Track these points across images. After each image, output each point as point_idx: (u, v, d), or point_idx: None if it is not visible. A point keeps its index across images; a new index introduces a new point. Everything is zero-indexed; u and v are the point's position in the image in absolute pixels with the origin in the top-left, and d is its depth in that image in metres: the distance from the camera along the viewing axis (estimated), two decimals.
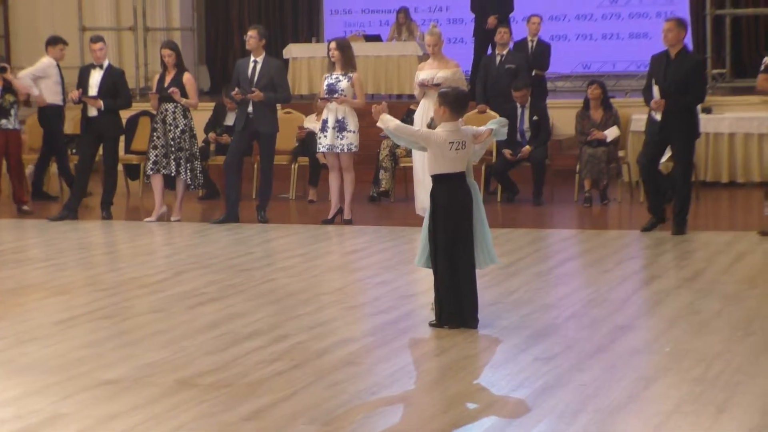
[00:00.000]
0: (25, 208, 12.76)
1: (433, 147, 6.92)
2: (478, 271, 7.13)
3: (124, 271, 9.29)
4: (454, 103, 6.92)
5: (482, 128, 7.13)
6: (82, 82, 12.24)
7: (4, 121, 12.55)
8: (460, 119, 7.00)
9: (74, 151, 13.82)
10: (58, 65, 13.67)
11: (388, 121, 7.06)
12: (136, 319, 7.57)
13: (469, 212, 6.95)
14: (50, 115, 13.55)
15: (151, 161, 12.01)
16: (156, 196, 12.12)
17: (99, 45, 12.21)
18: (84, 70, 12.48)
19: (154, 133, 12.03)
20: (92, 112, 12.18)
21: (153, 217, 12.07)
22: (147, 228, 11.77)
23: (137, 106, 14.17)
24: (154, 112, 12.28)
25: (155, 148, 11.97)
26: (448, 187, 6.94)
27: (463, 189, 6.96)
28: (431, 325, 7.07)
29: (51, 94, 13.54)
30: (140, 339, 7.00)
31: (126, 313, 7.77)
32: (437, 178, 6.98)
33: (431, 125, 7.14)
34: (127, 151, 14.23)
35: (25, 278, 9.04)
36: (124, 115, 13.24)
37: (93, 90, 12.15)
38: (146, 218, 12.11)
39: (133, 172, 14.47)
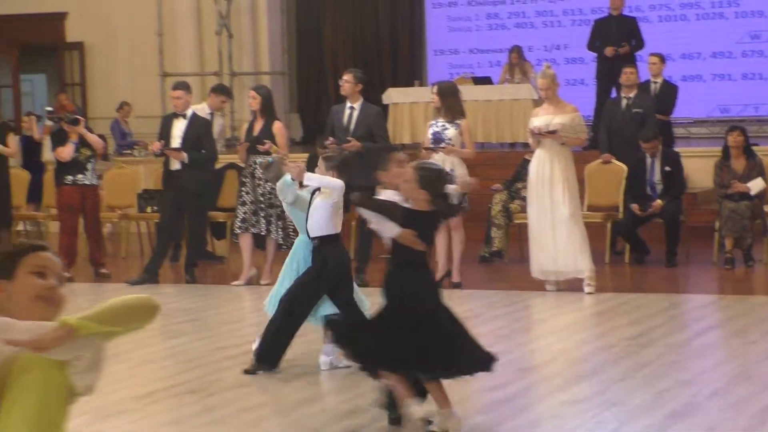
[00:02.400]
0: (103, 271, 12.99)
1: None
2: None
3: (210, 341, 9.39)
4: (340, 166, 7.93)
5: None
6: (164, 133, 12.44)
7: (80, 176, 12.80)
8: None
9: (155, 208, 14.07)
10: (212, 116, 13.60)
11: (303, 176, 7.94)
12: (224, 394, 7.63)
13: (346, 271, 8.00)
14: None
15: (239, 219, 12.15)
16: (244, 257, 12.25)
17: (178, 93, 12.37)
18: (166, 119, 12.71)
19: (243, 188, 12.19)
20: (175, 165, 12.36)
21: (241, 280, 12.20)
22: (235, 292, 11.89)
23: (224, 159, 14.38)
24: (243, 165, 12.44)
25: (243, 204, 12.12)
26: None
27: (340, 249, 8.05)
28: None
29: None
30: (227, 416, 7.06)
31: (212, 387, 7.84)
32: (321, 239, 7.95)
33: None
34: (213, 208, 14.42)
35: (112, 346, 9.16)
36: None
37: (176, 141, 12.35)
38: (234, 282, 12.24)
39: (219, 230, 14.65)
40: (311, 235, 8.02)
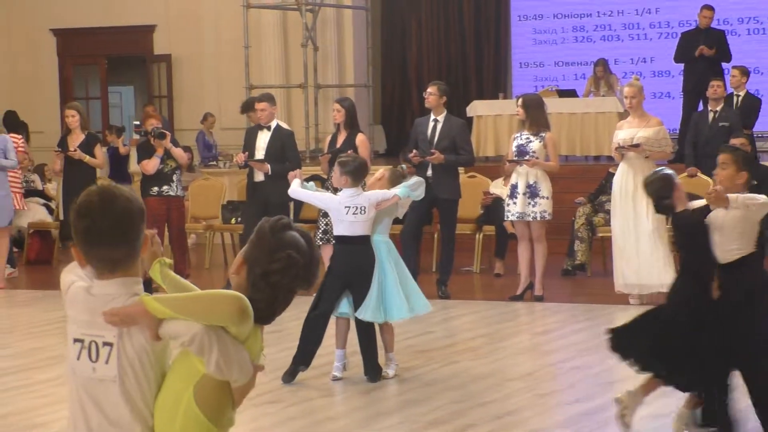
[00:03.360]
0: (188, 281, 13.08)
1: (331, 210, 8.28)
2: None
3: (292, 352, 9.41)
4: (354, 172, 8.19)
5: (389, 194, 8.13)
6: (249, 145, 12.54)
7: (165, 188, 12.94)
8: (359, 186, 8.18)
9: (239, 219, 14.18)
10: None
11: (293, 183, 8.45)
12: (304, 404, 7.67)
13: (366, 275, 8.08)
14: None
15: (321, 230, 12.20)
16: (326, 267, 12.26)
17: (262, 105, 12.45)
18: (251, 131, 12.80)
19: None
20: (259, 176, 12.44)
21: None
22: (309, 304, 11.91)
23: (307, 170, 14.45)
24: (325, 177, 12.50)
25: (326, 215, 12.17)
26: (345, 248, 8.18)
27: (363, 253, 8.13)
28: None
29: None
30: (308, 426, 7.09)
31: (293, 397, 7.88)
32: (337, 239, 8.31)
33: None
34: (296, 219, 14.48)
35: None
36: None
37: (260, 153, 12.43)
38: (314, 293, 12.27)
39: None
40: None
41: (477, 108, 17.35)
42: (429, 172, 11.80)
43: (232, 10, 18.60)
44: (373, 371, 8.20)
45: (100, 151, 13.49)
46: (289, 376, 8.24)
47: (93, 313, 3.15)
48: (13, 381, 8.06)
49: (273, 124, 12.56)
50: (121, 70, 21.61)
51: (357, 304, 8.17)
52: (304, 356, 8.30)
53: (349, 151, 11.89)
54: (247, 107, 13.64)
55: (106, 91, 20.68)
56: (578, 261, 13.24)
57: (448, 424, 6.92)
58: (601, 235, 13.13)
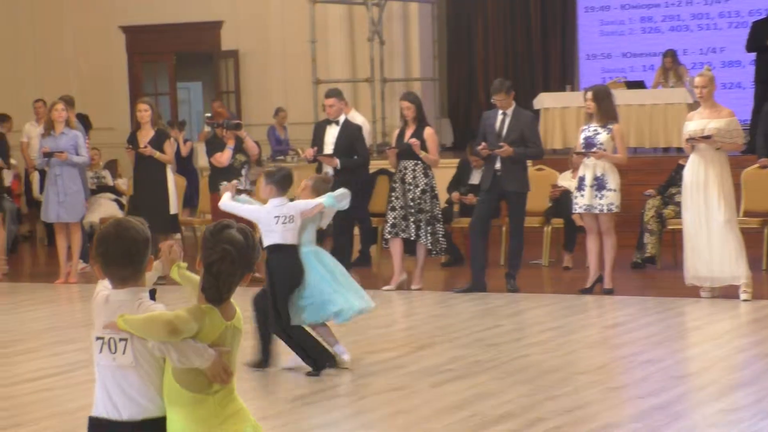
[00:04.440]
0: (257, 275, 13.15)
1: (260, 222, 8.39)
2: None
3: (360, 345, 9.45)
4: (280, 182, 8.37)
5: (313, 202, 8.35)
6: (317, 139, 12.59)
7: (235, 182, 13.00)
8: (285, 196, 8.41)
9: None
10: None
11: (224, 197, 8.55)
12: (375, 397, 7.69)
13: (296, 280, 8.29)
14: None
15: (389, 224, 12.22)
16: (395, 262, 12.31)
17: (331, 101, 12.49)
18: (319, 126, 12.85)
19: (393, 194, 12.26)
20: (327, 171, 12.49)
21: (392, 285, 12.26)
22: (385, 297, 11.95)
23: (375, 164, 14.49)
24: (393, 170, 12.52)
25: (393, 209, 12.19)
26: (278, 257, 8.33)
27: (297, 259, 8.31)
28: (309, 375, 8.21)
29: None
30: (379, 419, 7.11)
31: (363, 390, 7.91)
32: (269, 249, 8.36)
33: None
34: (364, 213, 14.50)
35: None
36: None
37: (329, 147, 12.48)
38: (384, 286, 12.31)
39: (370, 236, 14.74)
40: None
41: (544, 101, 17.27)
42: (497, 165, 11.78)
43: (299, 5, 18.66)
44: (315, 364, 8.33)
45: (170, 147, 13.60)
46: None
47: (110, 316, 4.00)
48: (84, 375, 8.14)
49: (342, 119, 12.61)
50: (189, 66, 21.75)
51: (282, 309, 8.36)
52: (323, 357, 8.37)
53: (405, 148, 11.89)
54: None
55: (174, 87, 20.83)
56: (648, 254, 13.14)
57: (518, 418, 6.90)
58: (671, 227, 13.01)
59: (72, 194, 13.34)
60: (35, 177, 16.51)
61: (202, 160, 16.34)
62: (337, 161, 12.36)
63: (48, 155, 13.26)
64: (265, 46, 19.63)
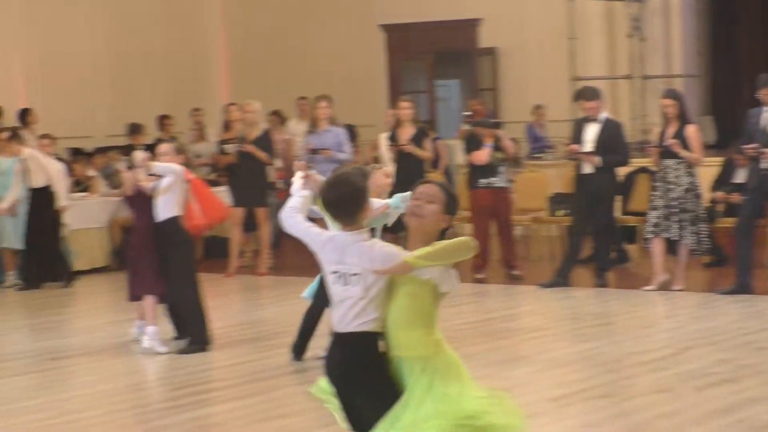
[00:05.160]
0: (515, 272, 13.18)
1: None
2: None
3: (622, 345, 9.34)
4: None
5: (380, 202, 8.04)
6: (577, 137, 12.48)
7: (493, 179, 13.04)
8: None
9: (566, 211, 14.14)
10: None
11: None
12: (638, 399, 7.58)
13: None
14: None
15: (650, 224, 12.02)
16: (656, 262, 12.09)
17: (592, 104, 12.33)
18: (578, 123, 12.74)
19: (655, 193, 12.05)
20: (586, 169, 12.38)
21: (653, 285, 12.05)
22: (646, 297, 11.76)
23: (635, 163, 14.26)
24: (655, 169, 12.30)
25: (655, 209, 11.98)
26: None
27: None
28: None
29: None
30: (642, 422, 7.01)
31: (626, 392, 7.81)
32: None
33: None
34: (624, 211, 14.33)
35: (518, 349, 9.33)
36: (621, 172, 13.36)
37: (588, 145, 12.36)
38: (645, 287, 12.11)
39: (630, 235, 14.55)
40: None
41: None
42: (764, 164, 11.42)
43: (558, 1, 18.55)
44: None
45: (430, 144, 13.76)
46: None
47: (342, 254, 4.93)
48: None
49: (602, 116, 12.48)
50: (447, 64, 21.91)
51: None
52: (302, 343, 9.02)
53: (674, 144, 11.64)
54: (580, 96, 13.57)
55: (432, 85, 21.03)
56: None
57: None
58: None
59: None
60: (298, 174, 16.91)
61: (460, 158, 16.44)
62: (597, 159, 12.24)
63: (313, 152, 13.62)
64: (522, 43, 19.60)
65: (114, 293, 12.72)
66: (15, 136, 14.30)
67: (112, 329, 10.91)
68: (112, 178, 13.03)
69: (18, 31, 17.28)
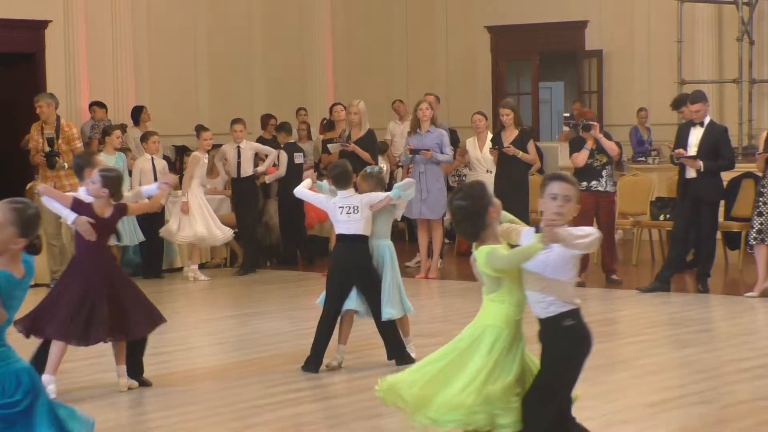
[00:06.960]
0: (614, 277, 13.06)
1: (328, 212, 8.87)
2: None
3: (723, 352, 9.22)
4: (335, 177, 8.81)
5: (381, 195, 8.70)
6: (681, 141, 12.34)
7: (594, 183, 12.92)
8: (351, 189, 8.81)
9: (668, 216, 13.99)
10: None
11: (302, 184, 9.07)
12: (738, 407, 7.47)
13: (365, 270, 8.71)
14: None
15: (755, 229, 11.84)
16: (759, 268, 11.89)
17: (697, 106, 12.18)
18: (683, 127, 12.59)
19: (760, 198, 11.87)
20: (690, 173, 12.23)
21: (756, 291, 11.87)
22: (748, 304, 11.59)
23: (740, 168, 14.05)
24: (760, 174, 12.11)
25: (760, 215, 11.80)
26: (342, 246, 8.77)
27: (360, 250, 8.71)
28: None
29: None
30: (741, 430, 6.91)
31: (725, 399, 7.69)
32: (337, 238, 8.84)
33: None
34: (727, 217, 14.12)
35: (616, 354, 9.24)
36: (726, 177, 13.17)
37: (692, 149, 12.21)
38: (747, 293, 11.93)
39: (733, 240, 14.34)
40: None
41: None
42: None
43: (666, 4, 18.36)
44: (400, 356, 8.77)
45: (533, 147, 13.71)
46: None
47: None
48: None
49: (706, 121, 12.32)
50: (552, 66, 21.81)
51: (370, 303, 8.75)
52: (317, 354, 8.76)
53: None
54: (679, 104, 13.40)
55: (536, 87, 20.92)
56: None
57: None
58: None
59: (434, 192, 13.66)
60: (398, 174, 16.97)
61: (562, 161, 16.34)
62: (701, 164, 12.08)
63: (414, 152, 13.64)
64: (629, 45, 19.42)
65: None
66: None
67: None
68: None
69: (126, 30, 17.52)
